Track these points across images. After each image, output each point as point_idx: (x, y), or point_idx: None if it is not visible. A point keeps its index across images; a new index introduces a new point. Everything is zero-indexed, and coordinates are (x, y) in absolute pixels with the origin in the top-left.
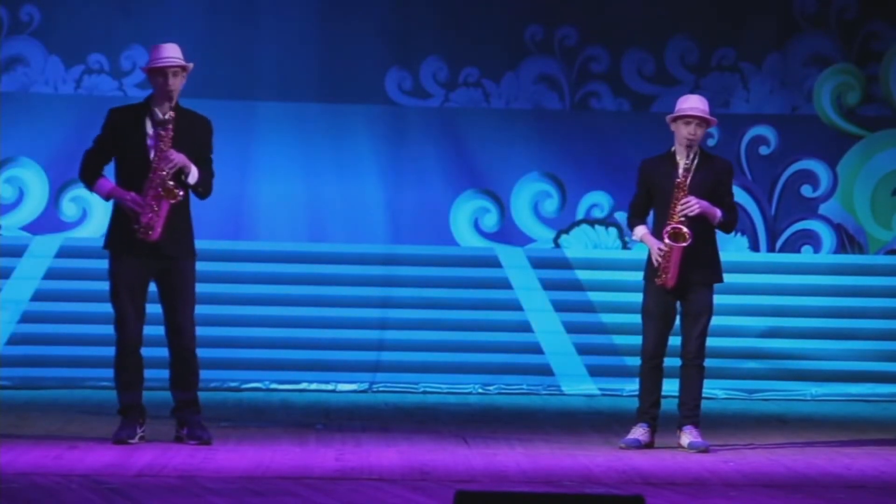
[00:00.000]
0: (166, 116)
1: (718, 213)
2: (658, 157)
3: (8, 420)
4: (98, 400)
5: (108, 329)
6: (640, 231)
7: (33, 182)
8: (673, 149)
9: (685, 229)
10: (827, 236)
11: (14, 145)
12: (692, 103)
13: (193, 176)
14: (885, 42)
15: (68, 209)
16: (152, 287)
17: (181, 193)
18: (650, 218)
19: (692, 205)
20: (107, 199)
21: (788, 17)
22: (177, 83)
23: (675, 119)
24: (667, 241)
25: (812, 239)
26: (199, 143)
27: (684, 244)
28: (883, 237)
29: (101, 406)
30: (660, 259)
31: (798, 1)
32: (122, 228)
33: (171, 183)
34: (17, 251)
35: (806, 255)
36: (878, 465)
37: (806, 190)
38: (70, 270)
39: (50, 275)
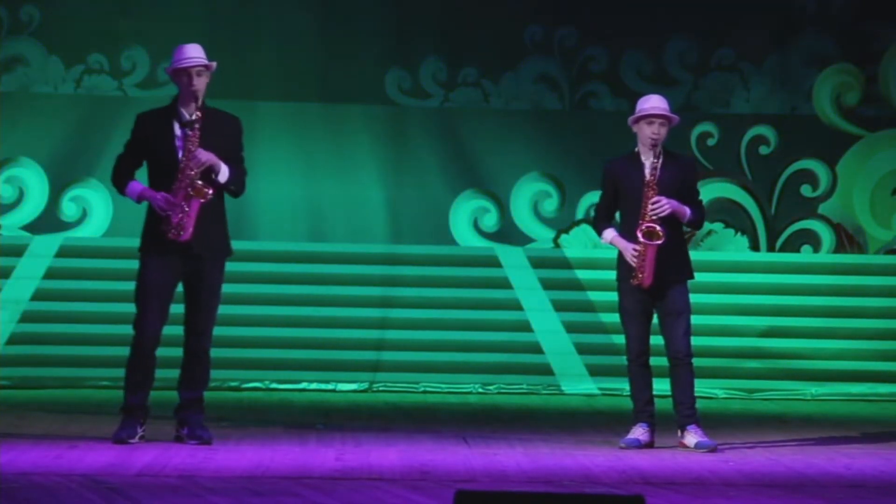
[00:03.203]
0: (193, 116)
1: (688, 211)
2: (622, 157)
3: (8, 420)
4: (98, 399)
5: (109, 328)
6: (610, 234)
7: (33, 182)
8: (636, 149)
9: (658, 228)
10: (826, 236)
11: (14, 145)
12: (653, 103)
13: (224, 174)
14: (885, 42)
15: (68, 209)
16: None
17: (210, 192)
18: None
19: (663, 205)
20: (138, 201)
21: (788, 17)
22: (201, 83)
23: (638, 120)
24: (641, 240)
25: (812, 238)
26: (229, 141)
27: (659, 242)
28: (882, 237)
29: (101, 406)
30: (635, 260)
31: (798, 1)
32: (155, 229)
33: (200, 182)
34: (18, 251)
35: (805, 255)
36: (877, 464)
37: (805, 190)
38: (70, 270)
39: (50, 274)
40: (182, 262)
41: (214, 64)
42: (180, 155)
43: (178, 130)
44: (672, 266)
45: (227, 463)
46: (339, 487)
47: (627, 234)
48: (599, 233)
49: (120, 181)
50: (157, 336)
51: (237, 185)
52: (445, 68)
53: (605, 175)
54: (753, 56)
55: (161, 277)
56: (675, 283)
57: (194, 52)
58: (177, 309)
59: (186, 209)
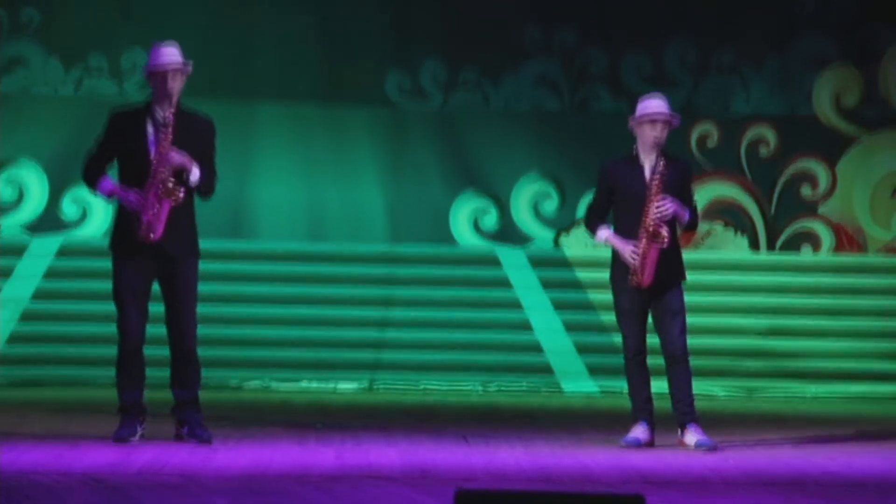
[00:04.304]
0: (166, 117)
1: (686, 213)
2: (620, 158)
3: (8, 419)
4: (98, 399)
5: (109, 328)
6: (605, 233)
7: (33, 182)
8: (635, 151)
9: (663, 230)
10: (826, 236)
11: (14, 146)
12: (657, 104)
13: (195, 176)
14: (884, 43)
15: (68, 209)
16: (155, 286)
17: (182, 194)
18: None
19: (667, 206)
20: (109, 198)
21: (787, 18)
22: (176, 85)
23: (640, 121)
24: (645, 240)
25: (811, 238)
26: (202, 143)
27: (663, 244)
28: (882, 237)
29: (101, 405)
30: (635, 259)
31: (797, 2)
32: (125, 229)
33: (171, 183)
34: (18, 251)
35: (805, 255)
36: (877, 463)
37: (805, 190)
38: (70, 269)
39: (50, 274)
40: (155, 262)
41: (191, 66)
42: (152, 155)
43: (151, 131)
44: (668, 267)
45: (227, 463)
46: (338, 487)
47: (623, 234)
48: (593, 231)
49: (91, 178)
50: (141, 334)
51: (207, 187)
52: (445, 69)
53: (602, 175)
54: (753, 56)
55: (137, 277)
56: (671, 284)
57: (170, 53)
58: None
59: (157, 209)
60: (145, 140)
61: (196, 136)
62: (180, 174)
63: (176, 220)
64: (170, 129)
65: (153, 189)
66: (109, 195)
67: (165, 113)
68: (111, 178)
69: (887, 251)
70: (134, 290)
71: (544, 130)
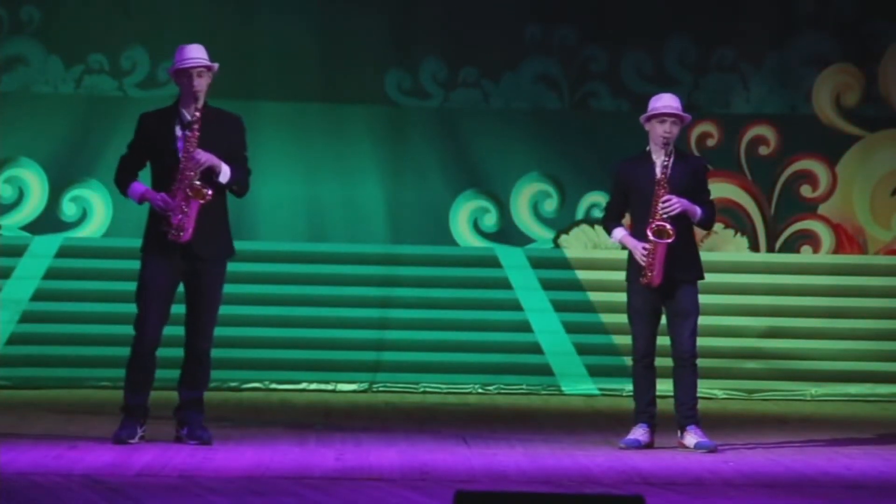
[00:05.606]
0: (192, 117)
1: (698, 210)
2: (633, 158)
3: (8, 420)
4: (98, 399)
5: (109, 328)
6: (620, 233)
7: (33, 182)
8: (648, 149)
9: (668, 226)
10: (826, 236)
11: (14, 145)
12: (665, 101)
13: (225, 175)
14: (884, 42)
15: (68, 209)
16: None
17: (210, 193)
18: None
19: (673, 203)
20: (140, 201)
21: (787, 17)
22: (202, 84)
23: (650, 118)
24: (651, 237)
25: (811, 239)
26: (231, 141)
27: (668, 241)
28: (882, 237)
29: (101, 406)
30: (644, 258)
31: (798, 1)
32: (156, 231)
33: (199, 183)
34: (18, 251)
35: (805, 256)
36: (877, 464)
37: (805, 190)
38: (70, 270)
39: (50, 274)
40: (183, 262)
41: (216, 65)
42: (180, 156)
43: (179, 131)
44: (682, 266)
45: (227, 463)
46: (338, 487)
47: (637, 233)
48: (609, 232)
49: (122, 182)
50: (157, 337)
51: (240, 185)
52: (445, 68)
53: (616, 176)
54: (753, 56)
55: (163, 279)
56: (685, 283)
57: (195, 53)
58: (177, 309)
59: (186, 210)
60: (173, 141)
61: (224, 134)
62: (209, 174)
63: (207, 221)
64: (196, 130)
65: (181, 190)
66: (140, 199)
67: (192, 113)
68: (141, 181)
69: (887, 252)
70: (160, 292)
71: (544, 129)
